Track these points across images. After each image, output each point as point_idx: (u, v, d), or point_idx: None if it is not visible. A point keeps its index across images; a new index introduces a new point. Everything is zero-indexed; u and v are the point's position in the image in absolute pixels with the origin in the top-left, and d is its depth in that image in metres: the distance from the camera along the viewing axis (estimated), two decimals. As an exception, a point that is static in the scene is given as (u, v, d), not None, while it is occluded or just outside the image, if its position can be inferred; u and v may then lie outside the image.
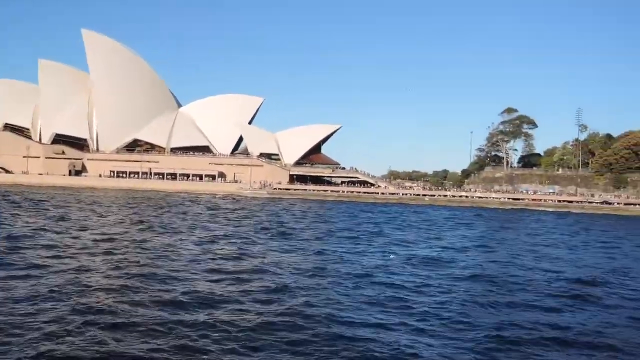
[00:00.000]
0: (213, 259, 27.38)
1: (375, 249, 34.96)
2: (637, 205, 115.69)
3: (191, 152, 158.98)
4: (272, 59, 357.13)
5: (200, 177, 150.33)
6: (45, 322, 14.61)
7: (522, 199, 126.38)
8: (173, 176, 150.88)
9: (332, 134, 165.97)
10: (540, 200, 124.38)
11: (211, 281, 21.46)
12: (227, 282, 21.35)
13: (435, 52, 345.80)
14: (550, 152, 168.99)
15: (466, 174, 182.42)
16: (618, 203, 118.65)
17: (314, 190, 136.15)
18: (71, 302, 16.64)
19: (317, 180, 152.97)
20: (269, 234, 41.88)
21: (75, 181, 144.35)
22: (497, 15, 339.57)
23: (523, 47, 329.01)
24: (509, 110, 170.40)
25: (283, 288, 20.37)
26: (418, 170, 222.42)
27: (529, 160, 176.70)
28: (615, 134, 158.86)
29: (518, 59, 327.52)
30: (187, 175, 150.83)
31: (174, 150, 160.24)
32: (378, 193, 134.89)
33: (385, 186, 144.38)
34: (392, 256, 31.50)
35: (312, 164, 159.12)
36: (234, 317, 15.97)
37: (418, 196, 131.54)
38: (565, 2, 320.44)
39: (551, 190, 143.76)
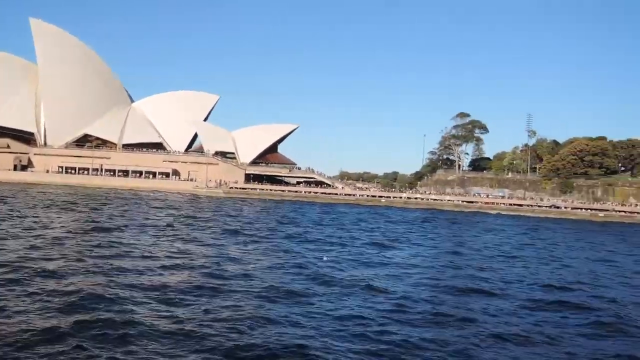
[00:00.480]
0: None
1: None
2: (583, 210, 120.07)
3: (144, 149, 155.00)
4: (229, 57, 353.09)
5: (154, 174, 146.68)
6: None
7: (475, 202, 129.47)
8: (125, 173, 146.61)
9: (289, 134, 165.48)
10: (493, 203, 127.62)
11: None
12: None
13: (388, 56, 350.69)
14: (500, 157, 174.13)
15: (419, 176, 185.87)
16: (565, 207, 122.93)
17: (271, 190, 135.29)
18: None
19: (273, 180, 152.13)
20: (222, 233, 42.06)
21: (21, 176, 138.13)
22: (450, 24, 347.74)
23: (477, 53, 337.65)
24: (462, 115, 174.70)
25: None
26: (369, 172, 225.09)
27: (479, 164, 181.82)
28: (561, 140, 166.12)
29: (472, 65, 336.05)
30: (140, 173, 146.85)
31: (126, 146, 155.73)
32: (336, 194, 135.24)
33: (342, 187, 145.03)
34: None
35: (268, 164, 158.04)
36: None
37: (374, 197, 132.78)
38: (516, 8, 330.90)
39: (501, 194, 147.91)
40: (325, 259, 31.09)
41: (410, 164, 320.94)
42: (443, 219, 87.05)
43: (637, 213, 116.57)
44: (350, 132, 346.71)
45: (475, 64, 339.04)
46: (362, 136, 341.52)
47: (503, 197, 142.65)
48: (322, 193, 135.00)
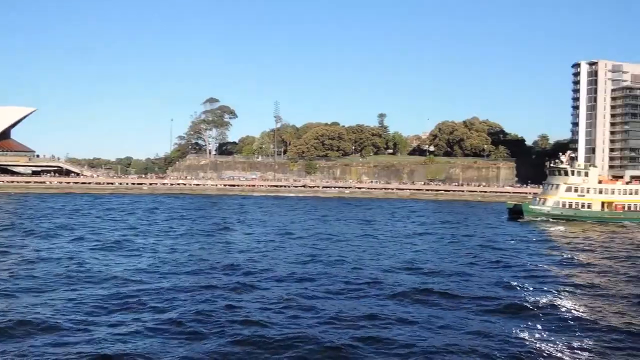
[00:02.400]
0: None
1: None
2: (333, 188, 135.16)
3: None
4: None
5: None
6: None
7: (239, 185, 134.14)
8: None
9: (23, 118, 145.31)
10: (254, 185, 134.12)
11: None
12: None
13: (124, 43, 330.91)
14: (249, 141, 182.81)
15: (168, 161, 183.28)
16: (317, 187, 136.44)
17: (10, 182, 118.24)
18: None
19: (7, 171, 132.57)
20: None
21: None
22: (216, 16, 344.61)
23: (224, 43, 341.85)
24: (211, 100, 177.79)
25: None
26: (99, 158, 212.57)
27: (226, 148, 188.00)
28: (299, 125, 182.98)
29: (221, 53, 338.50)
30: None
31: None
32: (91, 183, 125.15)
33: (97, 175, 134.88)
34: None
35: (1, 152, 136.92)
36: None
37: (135, 185, 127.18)
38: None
39: (253, 176, 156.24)
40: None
41: (147, 149, 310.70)
42: (209, 203, 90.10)
43: (374, 189, 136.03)
44: (78, 116, 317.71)
45: (223, 51, 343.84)
46: (89, 120, 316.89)
47: (254, 178, 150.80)
48: (75, 183, 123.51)
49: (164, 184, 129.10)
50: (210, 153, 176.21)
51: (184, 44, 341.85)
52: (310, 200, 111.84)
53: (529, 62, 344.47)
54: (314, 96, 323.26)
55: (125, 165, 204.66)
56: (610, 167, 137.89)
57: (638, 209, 73.16)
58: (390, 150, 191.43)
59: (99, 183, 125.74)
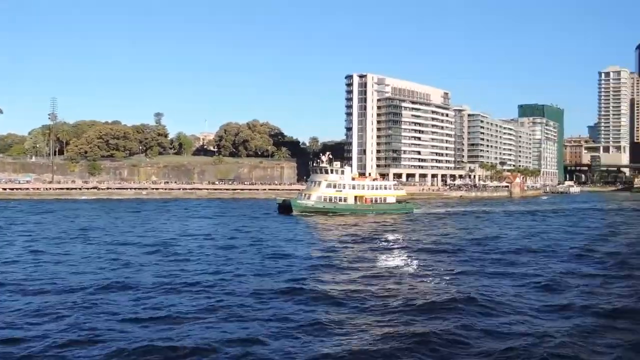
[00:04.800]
0: None
1: None
2: (129, 190, 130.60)
3: None
4: None
5: None
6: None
7: (20, 189, 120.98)
8: None
9: None
10: (39, 189, 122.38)
11: None
12: None
13: None
14: (18, 140, 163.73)
15: None
16: (111, 188, 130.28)
17: None
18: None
19: None
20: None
21: None
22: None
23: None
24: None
25: None
26: None
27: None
28: (71, 122, 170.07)
29: None
30: None
31: None
32: None
33: None
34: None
35: None
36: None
37: None
38: None
39: (27, 179, 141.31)
40: None
41: None
42: None
43: (172, 189, 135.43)
44: None
45: None
46: None
47: (29, 181, 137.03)
48: None
49: None
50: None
51: None
52: (105, 202, 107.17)
53: (305, 70, 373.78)
54: (91, 93, 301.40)
55: None
56: (378, 166, 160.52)
57: (381, 201, 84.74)
58: (175, 151, 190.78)
59: None
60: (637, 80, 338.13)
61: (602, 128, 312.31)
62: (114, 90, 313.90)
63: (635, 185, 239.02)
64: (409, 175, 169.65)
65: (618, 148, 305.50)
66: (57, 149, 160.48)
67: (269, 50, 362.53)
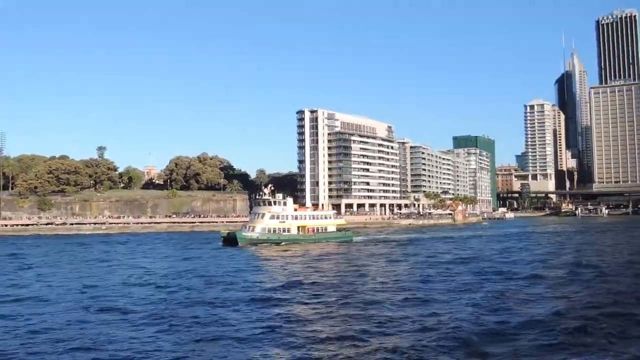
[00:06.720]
0: None
1: None
2: (88, 225, 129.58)
3: None
4: None
5: None
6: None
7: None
8: None
9: None
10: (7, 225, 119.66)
11: None
12: None
13: None
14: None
15: None
16: (71, 224, 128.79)
17: None
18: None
19: None
20: None
21: None
22: None
23: None
24: None
25: None
26: None
27: None
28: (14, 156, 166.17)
29: None
30: None
31: None
32: None
33: None
34: None
35: None
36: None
37: None
38: None
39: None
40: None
41: None
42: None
43: (128, 224, 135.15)
44: None
45: None
46: None
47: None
48: None
49: None
50: None
51: None
52: (65, 238, 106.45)
53: (257, 104, 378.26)
54: (31, 127, 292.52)
55: None
56: (330, 196, 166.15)
57: (323, 230, 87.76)
58: (124, 185, 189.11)
59: None
60: (558, 112, 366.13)
61: (530, 157, 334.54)
62: (54, 124, 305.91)
63: (562, 210, 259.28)
64: (359, 205, 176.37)
65: (545, 175, 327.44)
66: (1, 185, 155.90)
67: (215, 82, 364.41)
